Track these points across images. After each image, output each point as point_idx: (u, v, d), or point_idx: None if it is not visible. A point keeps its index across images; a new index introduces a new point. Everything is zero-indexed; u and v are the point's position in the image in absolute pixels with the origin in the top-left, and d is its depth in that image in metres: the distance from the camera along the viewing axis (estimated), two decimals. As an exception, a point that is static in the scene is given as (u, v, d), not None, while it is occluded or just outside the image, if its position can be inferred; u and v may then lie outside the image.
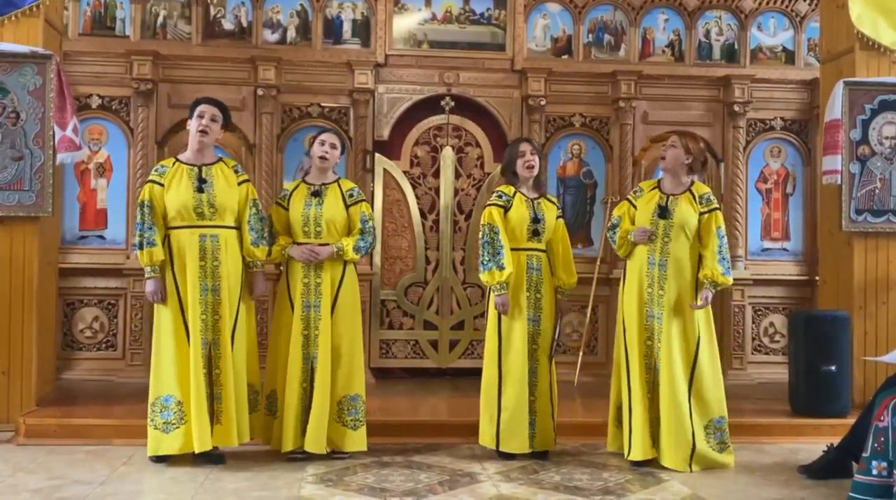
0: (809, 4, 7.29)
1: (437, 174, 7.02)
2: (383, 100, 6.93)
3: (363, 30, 7.00)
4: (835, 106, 5.68)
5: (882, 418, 3.16)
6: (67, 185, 6.49)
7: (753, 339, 7.15)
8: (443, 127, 7.04)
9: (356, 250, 4.51)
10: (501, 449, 4.49)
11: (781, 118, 7.24)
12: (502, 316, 4.54)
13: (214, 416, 4.27)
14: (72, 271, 6.47)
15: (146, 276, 4.34)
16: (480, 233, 4.62)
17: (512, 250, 4.54)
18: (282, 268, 4.69)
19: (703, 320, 4.43)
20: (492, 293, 4.55)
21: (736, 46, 7.32)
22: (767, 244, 7.24)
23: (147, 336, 5.89)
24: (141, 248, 4.31)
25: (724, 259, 4.42)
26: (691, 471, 4.30)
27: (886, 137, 5.69)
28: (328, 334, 4.42)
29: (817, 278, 6.60)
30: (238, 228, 4.43)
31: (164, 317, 4.32)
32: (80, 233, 6.64)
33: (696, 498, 3.87)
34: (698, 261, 4.46)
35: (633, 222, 4.58)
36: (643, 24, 7.25)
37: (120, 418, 4.98)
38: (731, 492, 4.02)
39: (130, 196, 6.59)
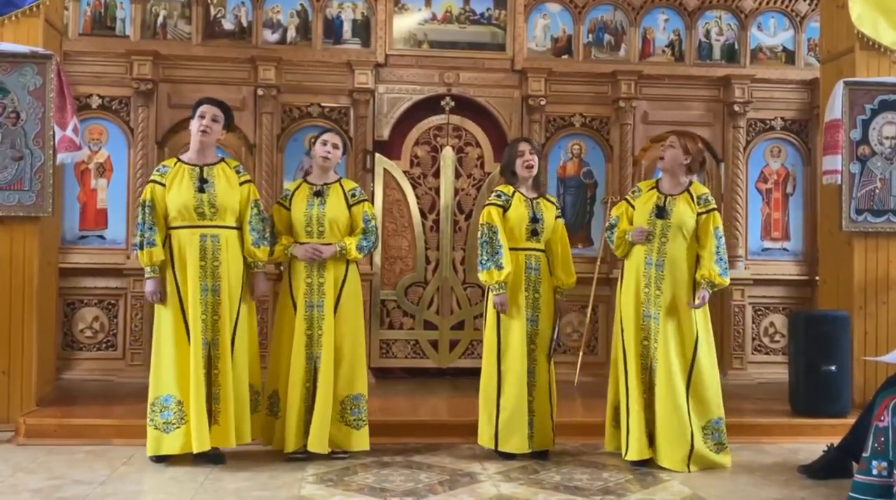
0: (809, 4, 7.29)
1: (437, 174, 7.02)
2: (383, 100, 6.93)
3: (363, 30, 7.00)
4: (835, 106, 5.68)
5: (882, 418, 3.16)
6: (67, 185, 6.49)
7: (753, 339, 7.15)
8: (443, 127, 7.04)
9: (359, 249, 4.52)
10: (500, 449, 4.49)
11: (781, 118, 7.25)
12: (501, 316, 4.54)
13: (212, 416, 4.27)
14: (72, 271, 6.47)
15: (146, 276, 4.34)
16: (479, 232, 4.62)
17: (510, 249, 4.54)
18: (282, 268, 4.69)
19: (701, 321, 4.42)
20: (490, 293, 4.56)
21: (736, 46, 7.32)
22: (767, 244, 7.24)
23: (147, 336, 5.89)
24: (141, 248, 4.31)
25: (721, 260, 4.42)
26: (689, 471, 4.30)
27: (887, 137, 5.69)
28: (332, 334, 4.42)
29: (817, 277, 6.60)
30: (239, 228, 4.43)
31: (164, 317, 4.32)
32: (80, 233, 6.64)
33: (696, 498, 3.87)
34: (695, 261, 4.46)
35: (631, 223, 4.58)
36: (643, 24, 7.25)
37: (120, 418, 4.98)
38: (732, 492, 4.02)
39: (130, 196, 6.59)
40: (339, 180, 4.65)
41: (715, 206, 4.53)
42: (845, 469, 4.10)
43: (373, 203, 6.61)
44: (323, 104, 6.89)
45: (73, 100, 5.36)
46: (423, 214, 6.98)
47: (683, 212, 4.44)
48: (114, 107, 6.70)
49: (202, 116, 4.41)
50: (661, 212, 4.46)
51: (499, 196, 4.65)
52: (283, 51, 6.84)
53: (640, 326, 4.44)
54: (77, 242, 6.62)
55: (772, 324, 7.17)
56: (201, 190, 4.32)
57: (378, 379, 6.68)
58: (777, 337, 7.15)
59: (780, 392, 5.84)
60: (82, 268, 6.54)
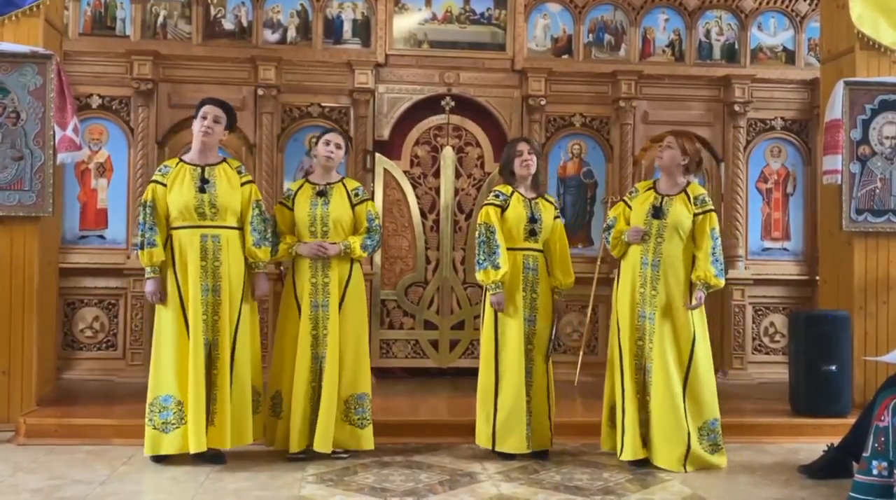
0: (809, 4, 7.29)
1: (437, 174, 7.02)
2: (383, 100, 6.93)
3: (363, 30, 7.00)
4: (835, 106, 5.68)
5: (882, 417, 3.16)
6: (68, 185, 6.49)
7: (754, 339, 7.15)
8: (443, 127, 7.04)
9: (364, 248, 4.53)
10: (497, 449, 4.48)
11: (782, 118, 7.25)
12: (498, 316, 4.53)
13: (209, 417, 4.26)
14: (72, 271, 6.47)
15: (146, 276, 4.35)
16: (477, 232, 4.62)
17: (508, 249, 4.54)
18: (283, 268, 4.68)
19: (697, 321, 4.42)
20: (487, 292, 4.56)
21: (736, 46, 7.32)
22: (768, 244, 7.24)
23: (147, 336, 5.89)
24: (142, 248, 4.31)
25: (717, 261, 4.41)
26: (685, 471, 4.29)
27: (887, 137, 5.69)
28: (337, 334, 4.42)
29: (817, 277, 6.60)
30: (240, 228, 4.42)
31: (164, 317, 4.32)
32: (80, 233, 6.65)
33: (696, 498, 3.87)
34: (692, 262, 4.46)
35: (628, 223, 4.58)
36: (643, 23, 7.25)
37: (120, 418, 4.97)
38: (732, 492, 4.02)
39: (131, 196, 6.60)
40: (341, 180, 4.65)
41: (712, 207, 4.53)
42: (845, 469, 4.10)
43: (373, 203, 6.65)
44: (323, 104, 6.89)
45: (74, 100, 5.36)
46: (423, 214, 6.98)
47: (680, 212, 4.44)
48: (114, 107, 6.70)
49: (204, 117, 4.41)
50: (657, 212, 4.45)
51: (497, 196, 4.64)
52: (283, 51, 6.84)
53: (636, 326, 4.44)
54: (77, 242, 6.62)
55: (772, 324, 7.17)
56: (202, 190, 4.32)
57: (378, 379, 6.65)
58: (777, 337, 7.15)
59: (780, 392, 5.84)
60: (82, 268, 6.55)
